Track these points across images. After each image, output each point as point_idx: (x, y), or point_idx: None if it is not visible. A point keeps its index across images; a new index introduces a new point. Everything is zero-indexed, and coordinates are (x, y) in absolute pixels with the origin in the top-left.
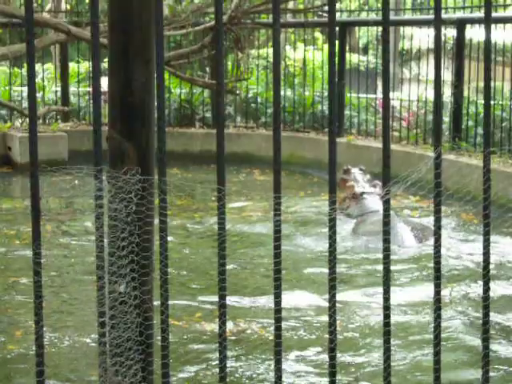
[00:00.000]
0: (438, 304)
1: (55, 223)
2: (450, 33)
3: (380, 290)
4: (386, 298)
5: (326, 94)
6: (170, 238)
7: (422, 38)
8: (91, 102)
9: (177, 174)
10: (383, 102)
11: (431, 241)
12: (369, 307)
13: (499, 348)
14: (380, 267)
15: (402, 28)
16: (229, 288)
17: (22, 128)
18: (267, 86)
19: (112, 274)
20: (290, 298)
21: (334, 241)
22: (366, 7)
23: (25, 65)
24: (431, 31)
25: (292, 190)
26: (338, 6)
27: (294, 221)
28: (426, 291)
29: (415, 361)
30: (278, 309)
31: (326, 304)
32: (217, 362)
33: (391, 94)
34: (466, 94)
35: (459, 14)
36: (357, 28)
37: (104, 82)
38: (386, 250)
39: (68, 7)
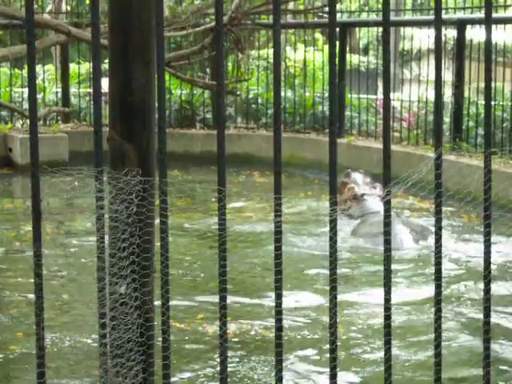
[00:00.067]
0: (438, 305)
1: (55, 223)
2: (450, 33)
3: (376, 290)
4: (387, 299)
5: (326, 94)
6: (170, 239)
7: (422, 38)
8: (92, 103)
9: (177, 175)
10: (384, 103)
11: (429, 241)
12: (367, 308)
13: (499, 349)
14: (376, 268)
15: (402, 28)
16: (230, 289)
17: (23, 129)
18: (268, 86)
19: (113, 275)
20: (290, 298)
21: (335, 242)
22: (367, 8)
23: (25, 66)
24: (431, 32)
25: (292, 190)
26: (338, 6)
27: (294, 221)
28: (422, 292)
29: (414, 360)
30: (278, 310)
31: (327, 304)
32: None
33: (392, 95)
34: (466, 94)
35: (459, 15)
36: (357, 29)
37: (105, 83)
38: (387, 251)
39: (68, 8)
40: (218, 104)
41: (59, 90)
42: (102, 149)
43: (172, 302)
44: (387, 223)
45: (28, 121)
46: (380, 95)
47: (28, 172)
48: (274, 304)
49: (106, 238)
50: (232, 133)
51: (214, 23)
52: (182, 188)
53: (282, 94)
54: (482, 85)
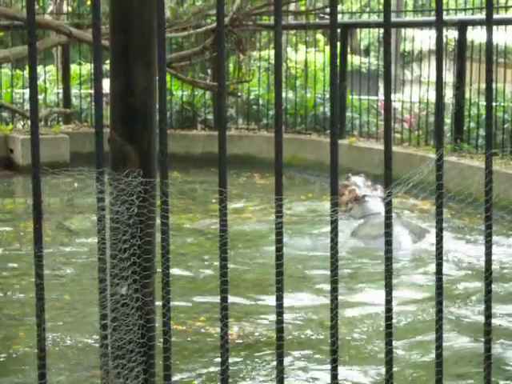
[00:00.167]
0: (439, 306)
1: (55, 223)
2: (451, 34)
3: (375, 291)
4: (388, 300)
5: (327, 95)
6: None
7: (423, 39)
8: (93, 104)
9: (177, 177)
10: (385, 104)
11: (427, 241)
12: (366, 308)
13: (499, 350)
14: (375, 269)
15: (403, 30)
16: (231, 290)
17: (24, 130)
18: (269, 87)
19: (114, 276)
20: (291, 299)
21: (336, 243)
22: (368, 9)
23: (26, 67)
24: (433, 33)
25: (293, 191)
26: (339, 7)
27: (294, 222)
28: (421, 292)
29: (414, 360)
30: (279, 311)
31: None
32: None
33: (393, 96)
34: (467, 95)
35: (461, 16)
36: (358, 30)
37: (106, 84)
38: (388, 252)
39: (70, 9)
40: (219, 105)
41: (60, 90)
42: (103, 150)
43: (173, 303)
44: (388, 224)
45: (29, 122)
46: (381, 96)
47: (29, 173)
48: (275, 304)
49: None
50: (233, 134)
51: (215, 24)
52: (182, 189)
53: (283, 95)
54: (483, 86)
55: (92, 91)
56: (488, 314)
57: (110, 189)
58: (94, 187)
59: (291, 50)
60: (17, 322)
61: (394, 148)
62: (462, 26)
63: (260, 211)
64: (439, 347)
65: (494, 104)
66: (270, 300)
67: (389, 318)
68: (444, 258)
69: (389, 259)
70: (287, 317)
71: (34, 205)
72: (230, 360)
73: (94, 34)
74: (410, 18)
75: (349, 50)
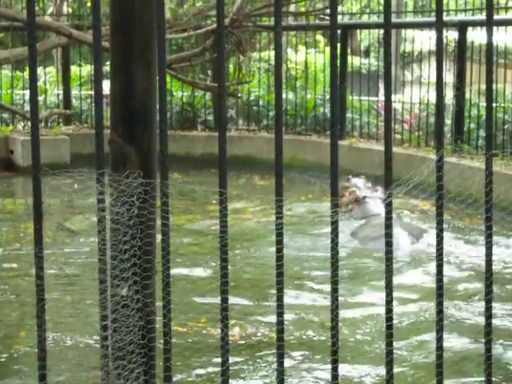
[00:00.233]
0: (440, 307)
1: (55, 224)
2: (451, 35)
3: (373, 292)
4: (389, 301)
5: (327, 96)
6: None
7: (423, 40)
8: (93, 105)
9: (177, 178)
10: (385, 105)
11: (426, 242)
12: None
13: (500, 350)
14: (372, 270)
15: (403, 30)
16: (232, 290)
17: (24, 131)
18: (269, 88)
19: (114, 277)
20: (292, 299)
21: (337, 244)
22: (368, 10)
23: (27, 68)
24: (433, 33)
25: (293, 192)
26: (339, 8)
27: (294, 223)
28: (418, 293)
29: (415, 361)
30: (280, 312)
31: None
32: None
33: (393, 97)
34: (467, 96)
35: (461, 17)
36: (358, 31)
37: (106, 85)
38: (389, 253)
39: (70, 10)
40: (219, 106)
41: (60, 92)
42: (103, 151)
43: (174, 304)
44: (389, 225)
45: (29, 123)
46: (381, 97)
47: (29, 174)
48: (276, 305)
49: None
50: (233, 135)
51: (215, 25)
52: (182, 190)
53: (284, 95)
54: (484, 87)
55: (92, 92)
56: (488, 315)
57: (111, 190)
58: (94, 188)
59: (291, 50)
60: (17, 322)
61: (395, 149)
62: (462, 27)
63: (260, 212)
64: (440, 348)
65: (494, 105)
66: (271, 301)
67: (389, 319)
68: (444, 258)
69: (389, 260)
70: (288, 317)
71: (34, 206)
72: (232, 360)
73: (95, 35)
74: (410, 18)
75: (349, 50)
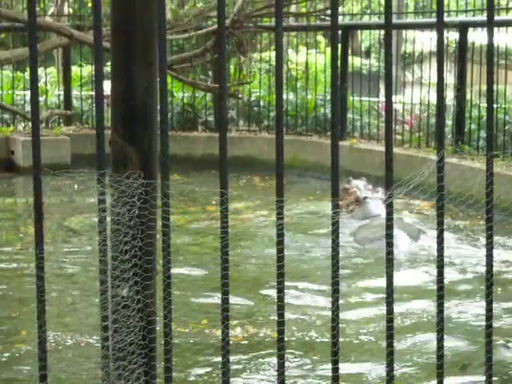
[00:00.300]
0: (441, 307)
1: (56, 224)
2: (452, 36)
3: (370, 293)
4: (389, 302)
5: (328, 97)
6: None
7: (424, 41)
8: (94, 105)
9: (178, 179)
10: (386, 106)
11: (424, 243)
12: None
13: (500, 351)
14: (371, 270)
15: (404, 31)
16: (233, 290)
17: (25, 132)
18: (270, 89)
19: (115, 278)
20: (293, 300)
21: (337, 244)
22: (369, 10)
23: (27, 69)
24: (433, 34)
25: (294, 193)
26: (340, 9)
27: (295, 224)
28: (417, 293)
29: (416, 361)
30: (280, 313)
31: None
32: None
33: (394, 98)
34: (468, 97)
35: (462, 18)
36: (359, 31)
37: (107, 86)
38: (389, 254)
39: (71, 11)
40: (220, 107)
41: (61, 92)
42: (104, 151)
43: (175, 304)
44: (389, 226)
45: (30, 123)
46: (382, 98)
47: (30, 175)
48: (277, 306)
49: (108, 240)
50: (234, 135)
51: (216, 26)
52: (183, 191)
53: (284, 96)
54: (484, 87)
55: (93, 93)
56: (489, 316)
57: (111, 191)
58: (95, 189)
59: (292, 51)
60: (18, 322)
61: (395, 150)
62: (462, 28)
63: (260, 213)
64: (440, 348)
65: (494, 106)
66: (272, 301)
67: (390, 320)
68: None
69: (390, 260)
70: (290, 318)
71: (35, 206)
72: (235, 361)
73: (95, 35)
74: (410, 19)
75: (350, 51)
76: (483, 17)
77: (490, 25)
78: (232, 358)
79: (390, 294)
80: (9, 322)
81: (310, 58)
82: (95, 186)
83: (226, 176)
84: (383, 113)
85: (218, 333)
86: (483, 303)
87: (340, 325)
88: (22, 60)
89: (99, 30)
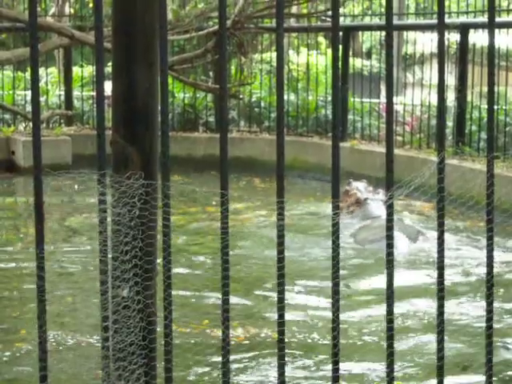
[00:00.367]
0: (441, 309)
1: (56, 224)
2: (453, 37)
3: (370, 293)
4: (390, 303)
5: (329, 98)
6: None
7: (425, 42)
8: (95, 106)
9: (178, 180)
10: (387, 107)
11: (423, 244)
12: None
13: (500, 351)
14: (370, 270)
15: (405, 32)
16: (233, 290)
17: (26, 132)
18: (270, 90)
19: (115, 278)
20: (293, 301)
21: (338, 245)
22: (370, 12)
23: (28, 69)
24: (435, 36)
25: (294, 194)
26: (341, 10)
27: (295, 225)
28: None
29: (416, 361)
30: (281, 313)
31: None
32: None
33: (394, 99)
34: (469, 98)
35: (463, 19)
36: (360, 32)
37: (108, 86)
38: (390, 255)
39: (72, 11)
40: (220, 107)
41: (62, 92)
42: (104, 152)
43: (175, 305)
44: (390, 227)
45: (31, 124)
46: (383, 99)
47: (31, 175)
48: (277, 306)
49: (109, 240)
50: (235, 136)
51: (217, 27)
52: (183, 191)
53: (285, 97)
54: (485, 89)
55: (94, 93)
56: (489, 317)
57: (112, 191)
58: (95, 189)
59: (293, 52)
60: (18, 321)
61: (396, 151)
62: (463, 29)
63: (260, 213)
64: (441, 350)
65: (495, 107)
66: (272, 301)
67: (390, 321)
68: (450, 264)
69: (390, 261)
70: (291, 318)
71: (35, 206)
72: (236, 361)
73: (96, 36)
74: (411, 20)
75: (351, 52)
76: (484, 18)
77: (491, 26)
78: (233, 358)
79: (390, 295)
80: (9, 321)
81: (311, 59)
82: (96, 187)
83: (227, 177)
84: (384, 114)
85: (219, 333)
86: (484, 304)
87: (342, 325)
88: (23, 60)
89: (100, 30)
